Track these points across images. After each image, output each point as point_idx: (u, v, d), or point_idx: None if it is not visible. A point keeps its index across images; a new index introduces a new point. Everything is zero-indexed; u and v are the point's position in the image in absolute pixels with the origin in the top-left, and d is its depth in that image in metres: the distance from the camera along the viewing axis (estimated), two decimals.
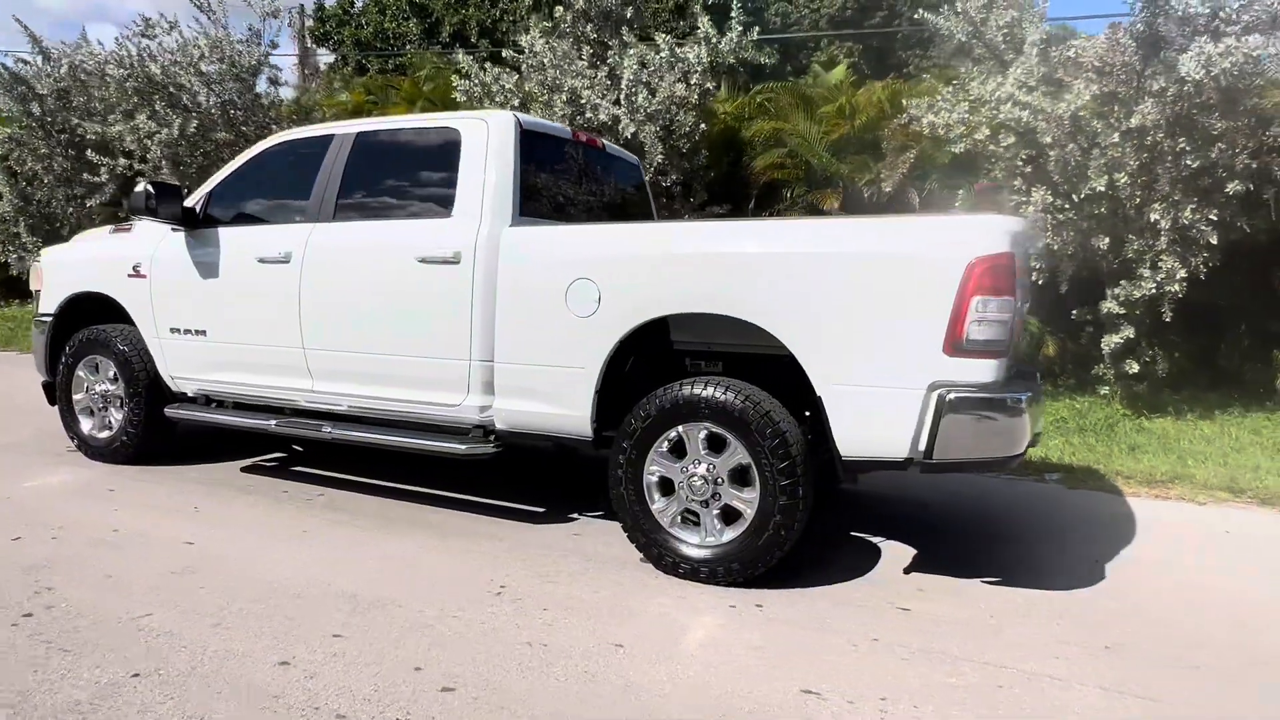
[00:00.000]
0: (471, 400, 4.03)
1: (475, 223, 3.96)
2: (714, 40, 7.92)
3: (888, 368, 3.17)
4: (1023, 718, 2.54)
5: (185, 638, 2.90)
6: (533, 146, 4.22)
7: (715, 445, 3.50)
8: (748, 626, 3.13)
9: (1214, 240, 6.34)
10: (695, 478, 3.51)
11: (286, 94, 12.23)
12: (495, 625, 3.07)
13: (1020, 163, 7.13)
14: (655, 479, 3.62)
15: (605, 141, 5.23)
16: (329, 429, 4.36)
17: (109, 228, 5.54)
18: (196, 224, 4.74)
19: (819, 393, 3.28)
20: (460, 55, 9.03)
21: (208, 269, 4.69)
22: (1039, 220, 7.01)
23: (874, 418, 3.21)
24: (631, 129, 7.83)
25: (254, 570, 3.53)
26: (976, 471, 3.96)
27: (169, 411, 4.90)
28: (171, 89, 10.09)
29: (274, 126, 10.74)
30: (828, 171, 9.86)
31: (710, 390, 3.44)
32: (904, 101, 7.43)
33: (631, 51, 7.92)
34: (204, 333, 4.75)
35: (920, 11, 8.81)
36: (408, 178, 4.43)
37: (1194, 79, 6.00)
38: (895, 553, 3.94)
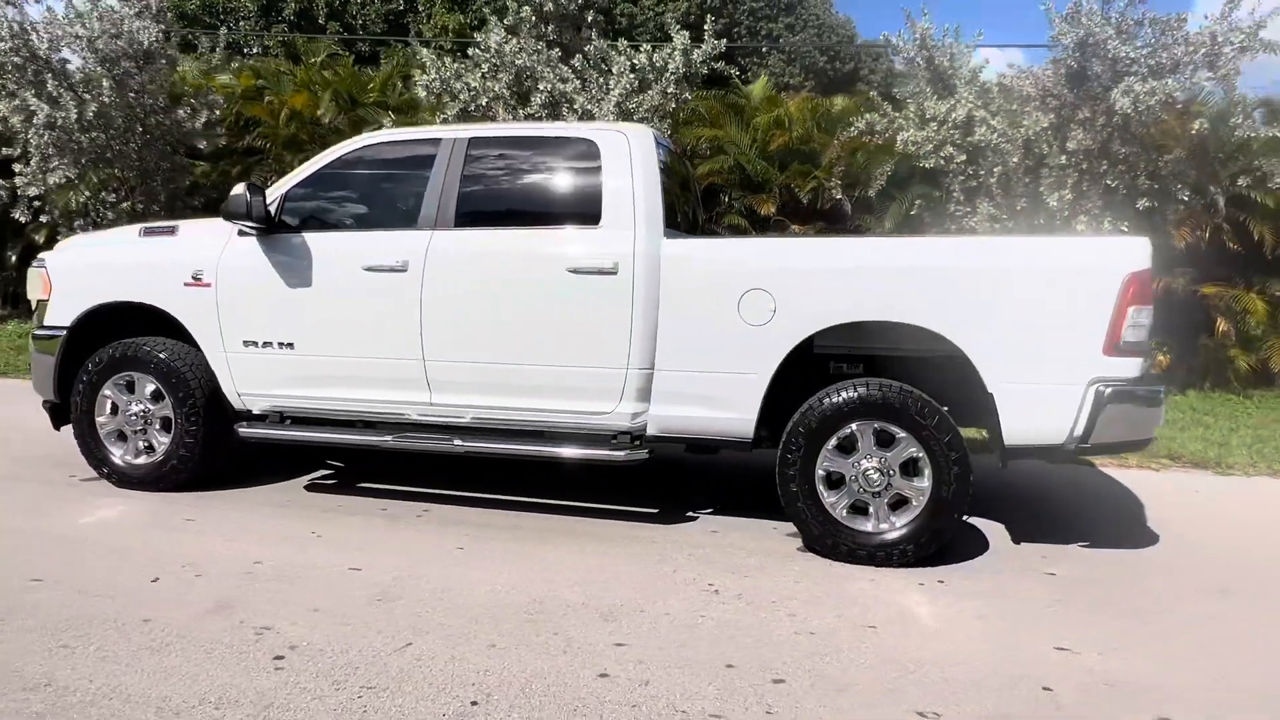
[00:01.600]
0: (624, 407, 4.12)
1: (629, 234, 4.05)
2: (689, 50, 8.22)
3: (1054, 367, 3.67)
4: (1213, 639, 3.11)
5: (481, 662, 2.84)
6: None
7: (883, 441, 3.86)
8: (954, 599, 3.52)
9: None
10: (870, 471, 3.84)
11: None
12: (754, 620, 3.25)
13: (963, 178, 8.05)
14: (824, 474, 3.91)
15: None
16: (459, 442, 4.25)
17: (135, 229, 4.95)
18: (277, 229, 4.41)
19: (991, 390, 3.72)
20: (424, 51, 8.74)
21: (297, 277, 4.38)
22: (982, 229, 7.96)
23: (1039, 410, 3.71)
24: None
25: (458, 591, 3.44)
26: (1116, 453, 4.59)
27: (244, 432, 4.52)
28: (57, 66, 8.89)
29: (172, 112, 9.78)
30: (762, 178, 10.48)
31: (883, 392, 3.79)
32: (867, 116, 8.11)
33: (621, 57, 8.03)
34: (291, 345, 4.43)
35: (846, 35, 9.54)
36: (536, 187, 4.40)
37: (1124, 112, 7.10)
38: (989, 530, 4.47)
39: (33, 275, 4.90)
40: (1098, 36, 7.28)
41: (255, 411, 4.62)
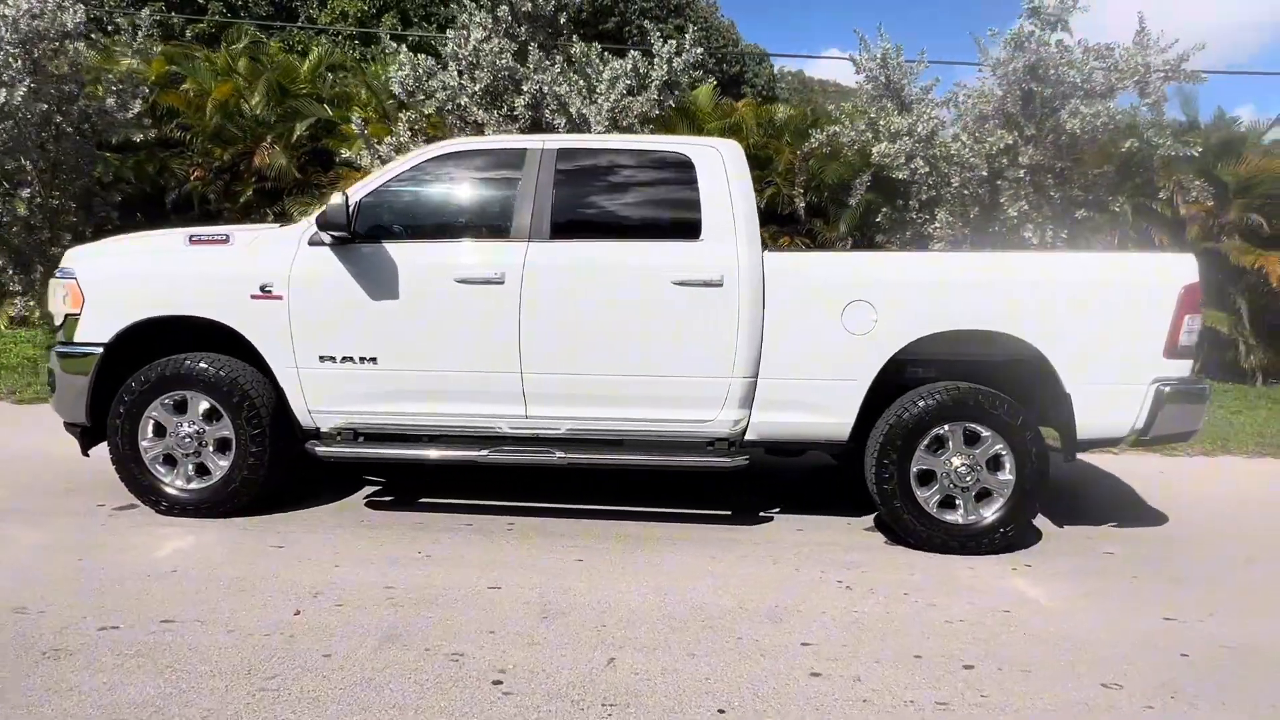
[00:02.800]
0: (726, 415, 4.25)
1: (731, 247, 4.18)
2: (672, 58, 8.36)
3: (1122, 369, 4.12)
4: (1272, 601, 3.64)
5: (696, 671, 2.92)
6: None
7: (970, 439, 4.19)
8: (1051, 581, 3.90)
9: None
10: (961, 467, 4.17)
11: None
12: (904, 613, 3.48)
13: (927, 187, 8.66)
14: (917, 471, 4.21)
15: None
16: (560, 454, 4.24)
17: (178, 235, 4.57)
18: (355, 239, 4.23)
19: (1068, 390, 4.13)
20: (401, 50, 8.44)
21: (380, 289, 4.23)
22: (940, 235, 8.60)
23: (1109, 407, 4.15)
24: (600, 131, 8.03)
25: (618, 603, 3.47)
26: (1169, 443, 5.10)
27: (322, 451, 4.31)
28: None
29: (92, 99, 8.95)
30: None
31: (976, 395, 4.12)
32: (835, 128, 8.56)
33: (617, 63, 8.07)
34: (374, 360, 4.27)
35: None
36: (631, 199, 4.44)
37: (1074, 132, 7.87)
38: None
39: (56, 286, 4.45)
40: (1047, 62, 8.03)
41: (323, 429, 4.42)
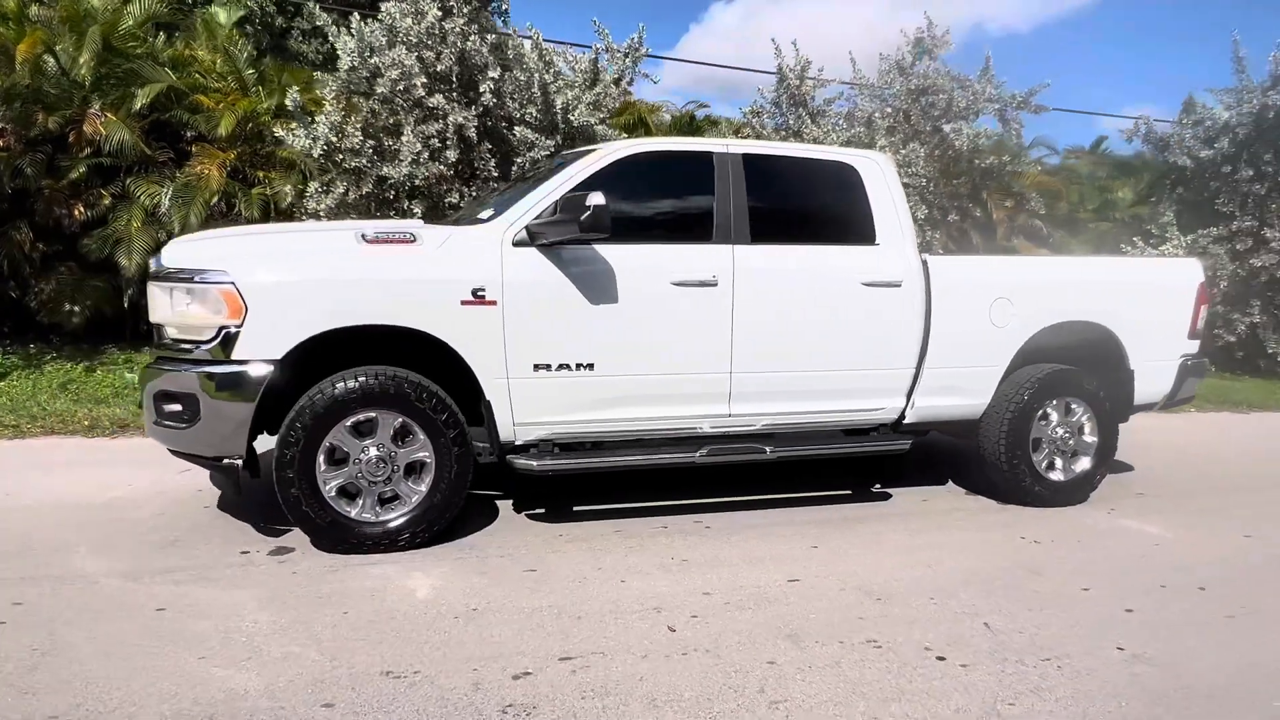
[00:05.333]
0: (895, 402, 4.74)
1: (902, 251, 4.65)
2: (624, 54, 8.42)
3: (1165, 348, 5.28)
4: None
5: (1070, 617, 3.39)
6: None
7: (1067, 411, 5.09)
8: (1137, 518, 4.92)
9: (940, 252, 9.93)
10: (1062, 434, 5.06)
11: None
12: (1089, 557, 4.24)
13: None
14: (1032, 439, 5.02)
15: None
16: (771, 449, 4.42)
17: (350, 233, 3.88)
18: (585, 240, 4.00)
19: (1132, 366, 5.19)
20: (356, 19, 7.54)
21: (598, 293, 4.06)
22: None
23: (1154, 378, 5.29)
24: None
25: (917, 580, 3.82)
26: (1176, 407, 6.29)
27: (540, 465, 4.04)
28: None
29: None
30: None
31: (1072, 377, 5.02)
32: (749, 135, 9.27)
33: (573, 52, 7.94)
34: (591, 366, 4.10)
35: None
36: (810, 205, 4.68)
37: (961, 148, 9.36)
38: None
39: (204, 293, 3.63)
40: (934, 86, 9.43)
41: (520, 442, 4.15)
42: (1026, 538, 4.47)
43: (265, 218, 8.89)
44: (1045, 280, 5.13)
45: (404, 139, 7.65)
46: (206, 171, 8.95)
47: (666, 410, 4.32)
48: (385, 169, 7.70)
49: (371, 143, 7.78)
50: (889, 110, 9.70)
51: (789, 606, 3.46)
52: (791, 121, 9.54)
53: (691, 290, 4.22)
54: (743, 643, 3.11)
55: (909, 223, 4.74)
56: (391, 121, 7.89)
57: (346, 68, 7.57)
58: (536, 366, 4.03)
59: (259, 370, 3.64)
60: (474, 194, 7.92)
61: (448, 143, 7.73)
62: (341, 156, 7.73)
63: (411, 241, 3.93)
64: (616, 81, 8.52)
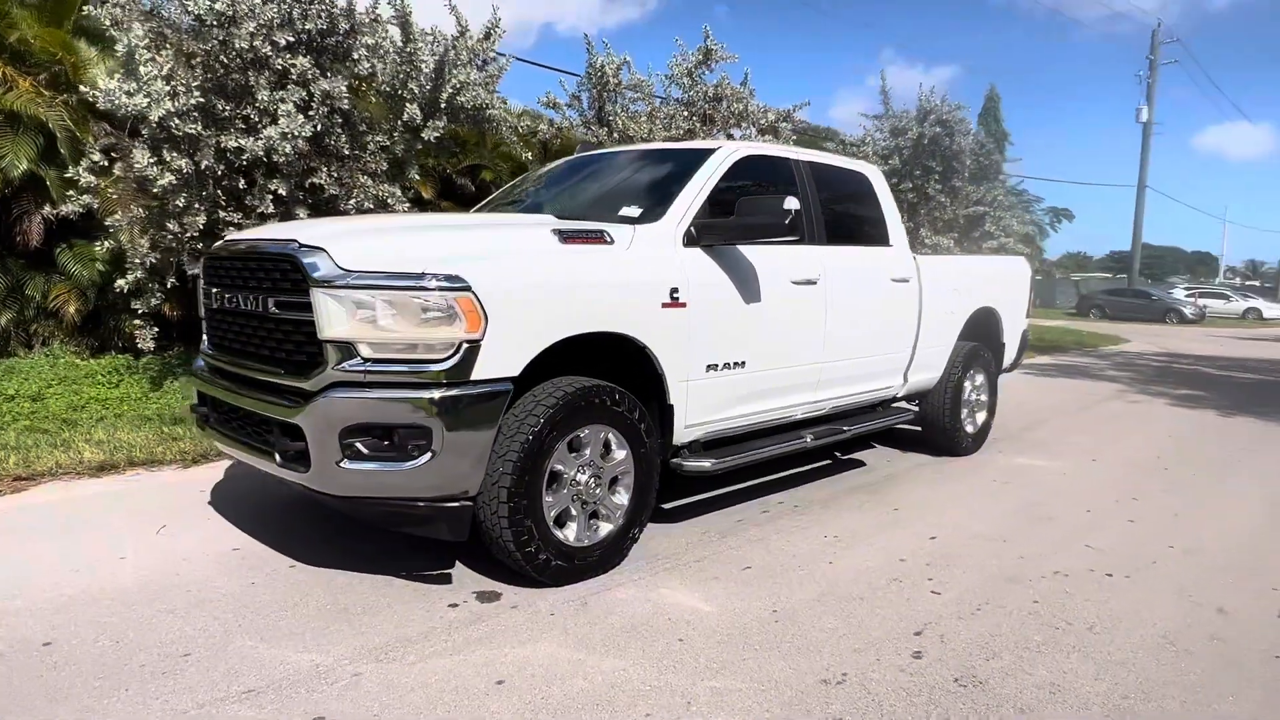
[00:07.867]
0: (899, 380, 5.61)
1: (905, 251, 5.51)
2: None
3: (1016, 325, 6.96)
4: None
5: (1125, 538, 4.53)
6: None
7: (978, 378, 6.47)
8: (1091, 472, 6.52)
9: None
10: (976, 397, 6.43)
11: None
12: (1034, 480, 5.60)
13: None
14: (963, 401, 6.28)
15: None
16: (847, 427, 4.96)
17: (544, 229, 3.33)
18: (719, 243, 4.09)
19: (1004, 340, 6.76)
20: None
21: (749, 293, 4.19)
22: None
23: (1012, 348, 6.95)
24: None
25: (1003, 528, 4.69)
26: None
27: (715, 464, 4.07)
28: None
29: None
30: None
31: (982, 350, 6.41)
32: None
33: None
34: (743, 364, 4.21)
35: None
36: (849, 209, 5.21)
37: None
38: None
39: (435, 303, 2.95)
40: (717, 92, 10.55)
41: (680, 443, 4.12)
42: (990, 480, 5.67)
43: None
44: (976, 273, 6.45)
45: (260, 102, 6.39)
46: None
47: (781, 401, 4.61)
48: (237, 139, 6.35)
49: (208, 102, 6.33)
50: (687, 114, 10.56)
51: (978, 549, 4.10)
52: (610, 117, 9.86)
53: (802, 288, 4.56)
54: (997, 573, 3.68)
55: (902, 227, 5.61)
56: (240, 82, 6.50)
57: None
58: (709, 367, 4.04)
59: (502, 390, 3.15)
60: (336, 176, 6.93)
61: (313, 114, 6.63)
62: (177, 122, 6.17)
63: (602, 239, 3.66)
64: (483, 65, 8.04)
